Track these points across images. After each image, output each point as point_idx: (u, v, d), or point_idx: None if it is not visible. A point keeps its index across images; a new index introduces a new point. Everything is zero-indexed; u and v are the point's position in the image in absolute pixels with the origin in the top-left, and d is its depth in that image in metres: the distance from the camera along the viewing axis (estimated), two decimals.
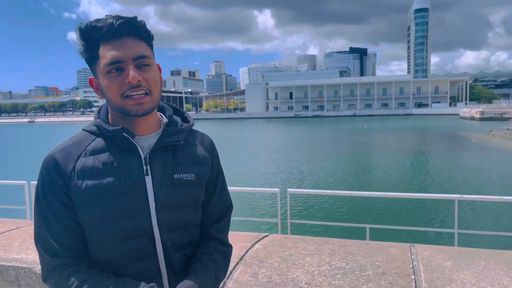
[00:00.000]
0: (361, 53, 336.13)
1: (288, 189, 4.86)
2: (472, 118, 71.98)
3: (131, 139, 1.19)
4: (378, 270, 2.45)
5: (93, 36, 1.14)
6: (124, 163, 1.18)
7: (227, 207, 1.41)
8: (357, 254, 2.70)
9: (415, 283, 2.28)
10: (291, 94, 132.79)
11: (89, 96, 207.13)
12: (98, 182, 1.15)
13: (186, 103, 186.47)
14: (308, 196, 13.24)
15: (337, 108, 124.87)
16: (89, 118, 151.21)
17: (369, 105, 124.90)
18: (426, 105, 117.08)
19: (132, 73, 1.12)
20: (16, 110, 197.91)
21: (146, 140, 1.22)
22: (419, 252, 2.73)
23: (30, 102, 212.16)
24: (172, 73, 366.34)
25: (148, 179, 1.18)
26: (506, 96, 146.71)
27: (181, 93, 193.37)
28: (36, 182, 1.20)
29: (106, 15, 1.16)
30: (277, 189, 4.57)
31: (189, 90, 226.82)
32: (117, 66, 1.13)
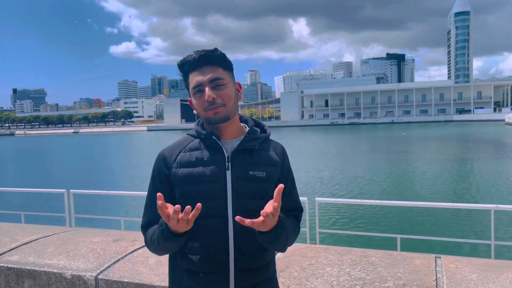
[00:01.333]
0: (399, 59, 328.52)
1: (317, 198, 4.78)
2: None
3: (217, 141, 1.53)
4: (399, 282, 2.40)
5: (185, 68, 1.55)
6: (211, 158, 1.52)
7: (297, 206, 1.67)
8: (379, 265, 2.65)
9: None
10: (326, 101, 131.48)
11: (129, 107, 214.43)
12: (190, 170, 1.51)
13: None
14: (338, 205, 12.96)
15: (374, 115, 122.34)
16: (129, 128, 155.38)
17: (407, 112, 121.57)
18: (468, 111, 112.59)
19: (207, 92, 1.48)
20: (62, 121, 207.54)
21: (230, 143, 1.56)
22: (444, 264, 2.65)
23: (75, 114, 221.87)
24: None
25: (228, 173, 1.50)
26: None
27: None
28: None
29: (194, 51, 1.53)
30: (305, 198, 4.38)
31: None
32: (199, 89, 1.51)
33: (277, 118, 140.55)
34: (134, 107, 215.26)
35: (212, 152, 1.54)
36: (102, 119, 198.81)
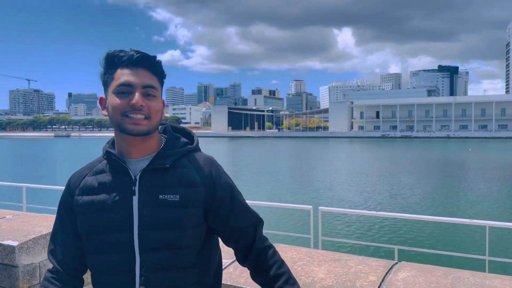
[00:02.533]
0: (452, 72, 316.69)
1: (320, 207, 5.08)
2: None
3: (121, 162, 1.32)
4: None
5: (114, 61, 1.31)
6: (115, 183, 1.32)
7: (253, 223, 1.43)
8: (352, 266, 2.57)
9: None
10: (377, 113, 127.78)
11: (177, 113, 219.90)
12: (91, 198, 1.32)
13: (267, 121, 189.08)
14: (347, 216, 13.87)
15: (428, 129, 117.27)
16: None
17: (464, 127, 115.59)
18: None
19: (137, 97, 1.26)
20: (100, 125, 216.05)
21: (139, 163, 1.33)
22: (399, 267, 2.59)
23: None
24: (253, 92, 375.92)
25: (135, 199, 1.29)
26: None
27: (262, 111, 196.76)
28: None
29: (131, 49, 1.33)
30: (309, 206, 4.97)
31: (270, 108, 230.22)
32: (127, 89, 1.28)
33: (325, 128, 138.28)
34: (182, 114, 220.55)
35: (117, 175, 1.33)
36: None
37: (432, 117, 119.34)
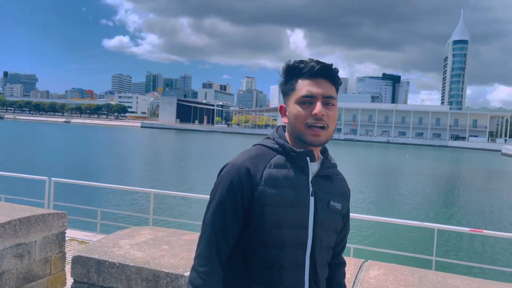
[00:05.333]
0: (394, 80, 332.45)
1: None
2: None
3: (309, 163, 1.39)
4: None
5: (295, 72, 1.39)
6: (299, 180, 1.37)
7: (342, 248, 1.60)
8: None
9: None
10: None
11: (123, 102, 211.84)
12: (279, 191, 1.34)
13: (217, 115, 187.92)
14: None
15: (370, 134, 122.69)
16: (122, 123, 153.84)
17: (403, 133, 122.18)
18: (463, 138, 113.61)
19: (319, 107, 1.34)
20: (54, 109, 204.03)
21: (312, 166, 1.42)
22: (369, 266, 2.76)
23: (67, 103, 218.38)
24: (204, 86, 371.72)
25: (312, 199, 1.37)
26: None
27: (212, 105, 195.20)
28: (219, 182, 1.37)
29: (309, 59, 1.39)
30: None
31: (220, 103, 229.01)
32: (308, 100, 1.35)
33: (273, 126, 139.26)
34: (128, 102, 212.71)
35: (299, 172, 1.38)
36: (96, 111, 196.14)
37: (375, 122, 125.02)
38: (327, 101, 1.36)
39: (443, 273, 2.77)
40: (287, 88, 1.42)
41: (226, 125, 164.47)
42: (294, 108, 1.38)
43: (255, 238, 1.35)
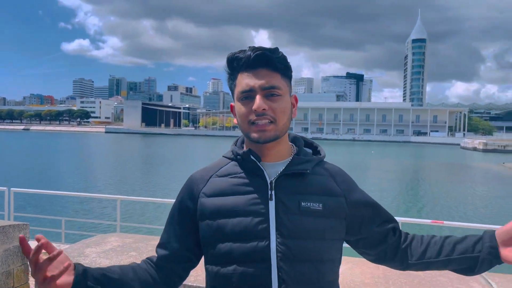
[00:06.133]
0: (358, 79, 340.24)
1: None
2: (475, 149, 72.18)
3: (257, 163, 1.22)
4: None
5: (234, 65, 1.23)
6: (249, 186, 1.21)
7: (392, 218, 1.36)
8: None
9: None
10: None
11: (86, 107, 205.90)
12: (222, 200, 1.20)
13: (183, 118, 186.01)
14: None
15: (336, 132, 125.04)
16: (86, 129, 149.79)
17: (367, 130, 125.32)
18: (425, 134, 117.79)
19: (258, 101, 1.17)
20: (11, 116, 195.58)
21: (273, 166, 1.24)
22: None
23: (26, 110, 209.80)
24: (169, 88, 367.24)
25: (272, 204, 1.18)
26: (500, 128, 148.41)
27: (179, 108, 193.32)
28: None
29: (249, 47, 1.23)
30: None
31: (187, 105, 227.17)
32: (247, 95, 1.20)
33: None
34: (91, 107, 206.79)
35: (251, 178, 1.22)
36: (56, 117, 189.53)
37: (340, 121, 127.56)
38: (270, 92, 1.19)
39: None
40: (230, 85, 1.28)
41: (194, 128, 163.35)
42: (237, 106, 1.24)
43: (206, 255, 1.24)
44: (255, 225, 1.16)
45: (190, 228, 1.25)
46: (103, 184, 23.32)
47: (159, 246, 1.30)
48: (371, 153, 58.35)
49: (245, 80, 1.21)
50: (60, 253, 1.01)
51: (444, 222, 4.59)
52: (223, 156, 1.34)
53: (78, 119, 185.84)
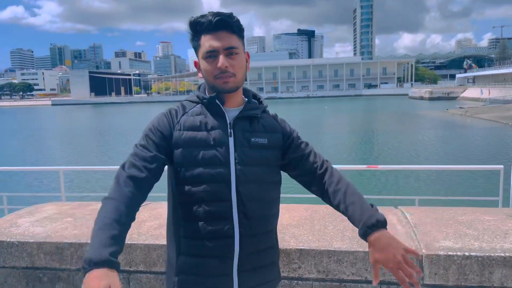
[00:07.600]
0: (309, 35, 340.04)
1: None
2: (421, 98, 75.55)
3: (221, 106, 1.53)
4: None
5: (197, 28, 1.50)
6: (214, 124, 1.51)
7: (312, 149, 1.68)
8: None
9: None
10: None
11: (28, 79, 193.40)
12: (194, 134, 1.50)
13: (134, 85, 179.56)
14: None
15: (291, 90, 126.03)
16: (30, 102, 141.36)
17: (321, 87, 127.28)
18: (375, 86, 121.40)
19: (221, 60, 1.46)
20: None
21: (232, 111, 1.55)
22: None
23: None
24: (117, 55, 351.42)
25: (231, 140, 1.51)
26: (445, 76, 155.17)
27: (129, 75, 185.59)
28: None
29: (209, 12, 1.49)
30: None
31: (137, 72, 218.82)
32: (211, 54, 1.48)
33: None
34: (33, 79, 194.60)
35: (215, 117, 1.53)
36: None
37: (294, 79, 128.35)
38: (230, 51, 1.48)
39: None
40: (194, 44, 1.54)
41: (146, 95, 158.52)
42: (202, 63, 1.51)
43: (178, 176, 1.49)
44: (220, 155, 1.48)
45: (163, 151, 1.48)
46: (48, 158, 22.50)
47: (134, 167, 1.42)
48: (325, 109, 59.61)
49: (209, 42, 1.47)
50: None
51: (378, 166, 4.86)
52: (186, 100, 1.61)
53: (21, 93, 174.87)
